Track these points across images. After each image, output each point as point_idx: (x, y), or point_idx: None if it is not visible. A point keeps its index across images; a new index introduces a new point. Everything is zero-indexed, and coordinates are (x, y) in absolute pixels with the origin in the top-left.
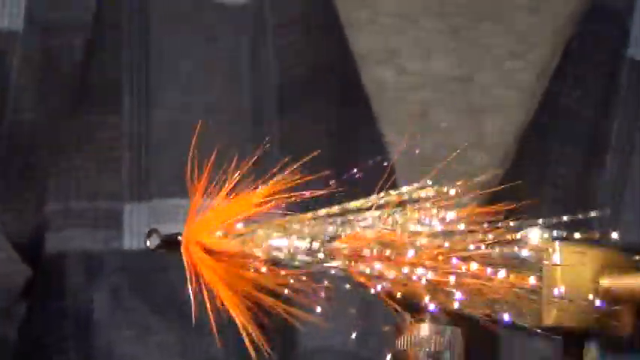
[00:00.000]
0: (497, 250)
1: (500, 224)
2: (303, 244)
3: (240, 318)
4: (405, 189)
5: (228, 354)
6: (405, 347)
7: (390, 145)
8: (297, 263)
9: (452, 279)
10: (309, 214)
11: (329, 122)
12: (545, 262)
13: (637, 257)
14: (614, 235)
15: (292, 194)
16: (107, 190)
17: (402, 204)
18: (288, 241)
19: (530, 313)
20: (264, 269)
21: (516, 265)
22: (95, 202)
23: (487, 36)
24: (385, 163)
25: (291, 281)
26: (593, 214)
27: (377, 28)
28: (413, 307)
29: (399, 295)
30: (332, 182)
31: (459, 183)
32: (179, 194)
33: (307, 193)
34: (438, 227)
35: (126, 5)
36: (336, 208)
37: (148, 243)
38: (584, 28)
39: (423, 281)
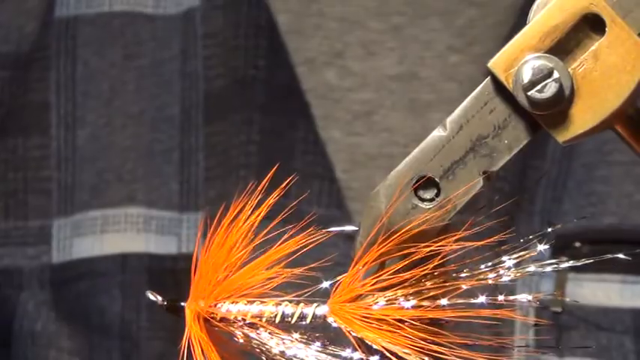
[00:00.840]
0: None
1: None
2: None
3: None
4: None
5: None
6: None
7: (332, 143)
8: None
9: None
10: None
11: (251, 131)
12: None
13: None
14: None
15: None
16: (36, 208)
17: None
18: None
19: None
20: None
21: None
22: (25, 221)
23: (427, 32)
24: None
25: None
26: None
27: (323, 33)
28: None
29: None
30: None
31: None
32: (96, 206)
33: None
34: None
35: (54, 28)
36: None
37: (153, 298)
38: (525, 19)
39: None
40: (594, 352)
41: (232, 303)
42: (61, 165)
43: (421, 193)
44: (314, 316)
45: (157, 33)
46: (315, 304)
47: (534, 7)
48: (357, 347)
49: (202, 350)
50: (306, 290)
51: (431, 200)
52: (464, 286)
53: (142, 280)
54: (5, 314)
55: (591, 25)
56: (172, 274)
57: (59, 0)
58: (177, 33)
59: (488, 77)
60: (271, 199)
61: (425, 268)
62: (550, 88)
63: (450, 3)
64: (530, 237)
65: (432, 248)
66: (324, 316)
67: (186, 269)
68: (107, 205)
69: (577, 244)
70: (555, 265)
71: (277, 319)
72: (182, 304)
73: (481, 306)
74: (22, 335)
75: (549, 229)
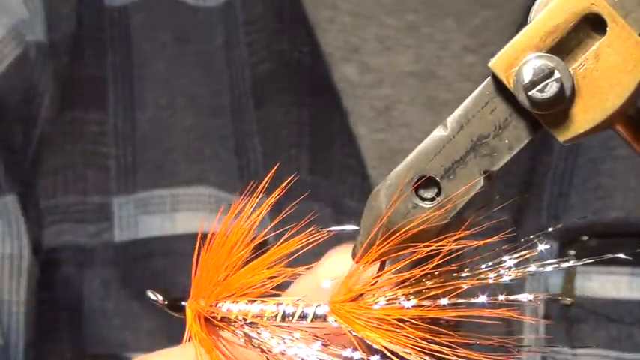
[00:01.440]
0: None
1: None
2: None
3: None
4: None
5: None
6: None
7: (360, 139)
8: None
9: None
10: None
11: (300, 114)
12: None
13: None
14: None
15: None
16: (95, 184)
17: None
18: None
19: None
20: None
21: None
22: (84, 196)
23: (443, 32)
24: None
25: None
26: None
27: (338, 27)
28: None
29: None
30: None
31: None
32: (164, 185)
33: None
34: None
35: (106, 16)
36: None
37: (153, 297)
38: None
39: None
40: (605, 343)
41: (233, 302)
42: (119, 142)
43: (422, 192)
44: (314, 316)
45: (200, 24)
46: (316, 304)
47: (535, 6)
48: (358, 346)
49: (203, 349)
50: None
51: (431, 200)
52: (464, 286)
53: None
54: (71, 293)
55: (592, 24)
56: None
57: None
58: (219, 24)
59: (489, 77)
60: (272, 199)
61: (425, 267)
62: (551, 88)
63: (463, 4)
64: (536, 234)
65: (432, 247)
66: (325, 316)
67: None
68: (177, 185)
69: (584, 238)
70: (556, 265)
71: (278, 319)
72: (183, 303)
73: (482, 305)
74: (94, 315)
75: (550, 229)
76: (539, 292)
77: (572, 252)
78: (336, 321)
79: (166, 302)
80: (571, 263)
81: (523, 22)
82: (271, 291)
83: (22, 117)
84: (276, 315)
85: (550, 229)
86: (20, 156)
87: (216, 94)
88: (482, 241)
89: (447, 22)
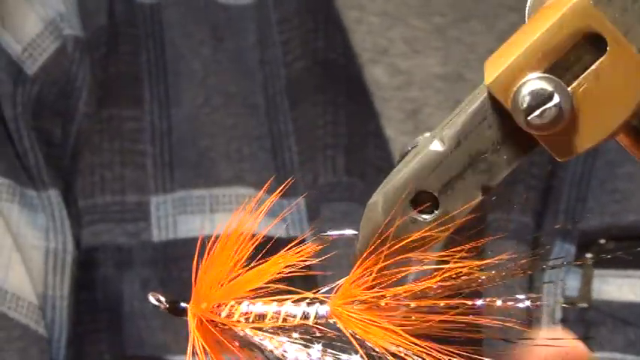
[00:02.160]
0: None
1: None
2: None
3: None
4: None
5: None
6: None
7: (390, 141)
8: None
9: None
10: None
11: (337, 114)
12: None
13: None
14: None
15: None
16: (133, 183)
17: None
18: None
19: None
20: None
21: None
22: (122, 195)
23: (470, 35)
24: None
25: None
26: None
27: (365, 28)
28: None
29: None
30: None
31: None
32: (202, 185)
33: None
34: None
35: (139, 10)
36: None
37: (154, 301)
38: None
39: None
40: (622, 347)
41: (235, 304)
42: (155, 141)
43: (420, 207)
44: (317, 316)
45: (232, 23)
46: (317, 304)
47: (529, 3)
48: (358, 348)
49: (206, 351)
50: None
51: (429, 214)
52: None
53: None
54: (110, 294)
55: (592, 43)
56: None
57: None
58: (252, 23)
59: (486, 93)
60: (272, 198)
61: (426, 280)
62: (550, 113)
63: (490, 7)
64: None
65: (431, 260)
66: (327, 317)
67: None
68: (215, 185)
69: (602, 241)
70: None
71: (280, 320)
72: (184, 305)
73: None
74: (133, 316)
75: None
76: (557, 296)
77: (589, 255)
78: (336, 322)
79: (167, 305)
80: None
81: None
82: (274, 288)
83: (60, 111)
84: (279, 316)
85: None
86: (60, 151)
87: (250, 94)
88: (483, 262)
89: (474, 25)
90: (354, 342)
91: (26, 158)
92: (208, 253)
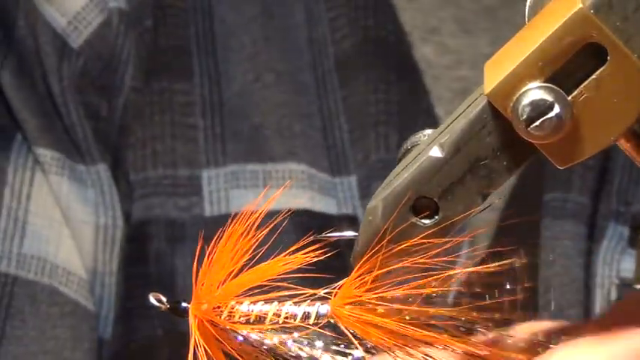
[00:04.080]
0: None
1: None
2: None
3: None
4: None
5: None
6: None
7: (439, 120)
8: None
9: None
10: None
11: (388, 92)
12: None
13: None
14: None
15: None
16: (184, 156)
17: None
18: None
19: None
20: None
21: None
22: (174, 169)
23: (519, 16)
24: None
25: None
26: None
27: (416, 6)
28: None
29: None
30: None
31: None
32: (255, 160)
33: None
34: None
35: None
36: None
37: (155, 302)
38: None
39: None
40: None
41: (235, 304)
42: (206, 114)
43: (419, 211)
44: (317, 316)
45: (281, 0)
46: (319, 303)
47: (529, 3)
48: (358, 346)
49: (207, 351)
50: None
51: (430, 219)
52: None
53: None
54: (163, 269)
55: (592, 51)
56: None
57: None
58: (299, 0)
59: (486, 100)
60: (273, 198)
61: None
62: (550, 124)
63: None
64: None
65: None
66: (327, 316)
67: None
68: (268, 160)
69: None
70: None
71: (281, 319)
72: (185, 305)
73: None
74: (186, 291)
75: None
76: (612, 278)
77: None
78: (335, 322)
79: (168, 306)
80: None
81: None
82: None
83: (106, 85)
84: (279, 315)
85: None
86: (108, 125)
87: (299, 72)
88: (481, 268)
89: (523, 6)
90: (355, 341)
91: (74, 132)
92: (209, 254)
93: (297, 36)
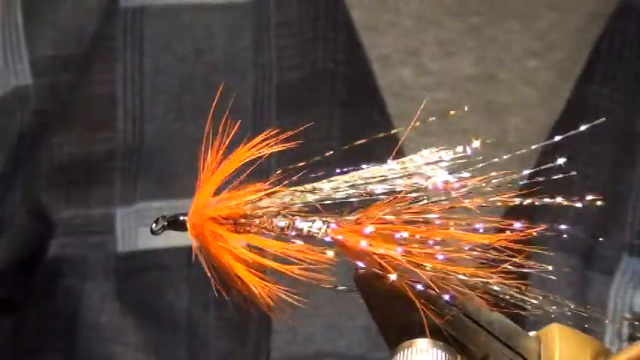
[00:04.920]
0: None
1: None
2: (306, 226)
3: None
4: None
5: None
6: None
7: (410, 143)
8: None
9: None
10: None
11: (331, 126)
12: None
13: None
14: None
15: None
16: (100, 197)
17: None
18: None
19: None
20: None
21: None
22: (87, 209)
23: (506, 34)
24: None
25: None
26: None
27: (399, 30)
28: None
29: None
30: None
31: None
32: (163, 197)
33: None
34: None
35: (120, 18)
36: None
37: (154, 226)
38: (613, 26)
39: None
40: None
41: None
42: (126, 156)
43: None
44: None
45: (229, 23)
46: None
47: None
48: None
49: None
50: None
51: None
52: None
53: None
54: (70, 305)
55: None
56: None
57: None
58: (250, 21)
59: None
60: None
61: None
62: None
63: (529, 5)
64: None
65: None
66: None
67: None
68: (174, 196)
69: None
70: None
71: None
72: (182, 217)
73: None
74: (87, 328)
75: None
76: (624, 313)
77: None
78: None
79: (167, 222)
80: None
81: (591, 28)
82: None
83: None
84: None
85: None
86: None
87: (238, 98)
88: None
89: (511, 24)
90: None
91: None
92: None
93: (242, 58)
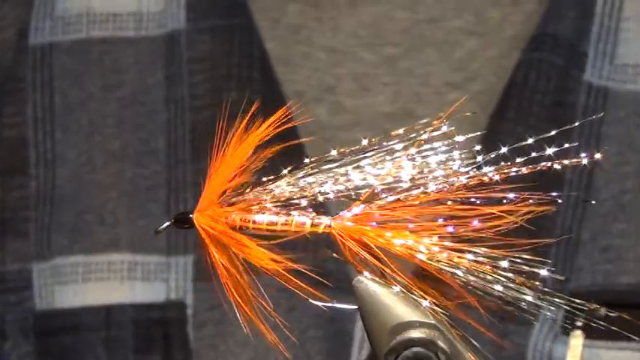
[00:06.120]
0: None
1: None
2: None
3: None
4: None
5: None
6: None
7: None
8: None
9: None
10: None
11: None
12: None
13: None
14: None
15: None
16: (15, 251)
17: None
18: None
19: None
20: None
21: None
22: (4, 265)
23: (424, 66)
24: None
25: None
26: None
27: (312, 64)
28: None
29: None
30: None
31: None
32: (76, 251)
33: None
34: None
35: (28, 57)
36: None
37: (162, 227)
38: (530, 56)
39: None
40: None
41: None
42: (39, 205)
43: None
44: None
45: (140, 57)
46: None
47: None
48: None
49: (214, 251)
50: None
51: None
52: None
53: (127, 335)
54: None
55: None
56: (161, 326)
57: (33, 26)
58: (161, 57)
59: None
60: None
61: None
62: None
63: (447, 33)
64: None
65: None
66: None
67: (176, 319)
68: (89, 251)
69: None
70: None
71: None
72: (190, 215)
73: None
74: None
75: None
76: None
77: (579, 323)
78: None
79: (172, 220)
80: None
81: (512, 54)
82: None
83: None
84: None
85: None
86: None
87: (150, 138)
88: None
89: (429, 54)
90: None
91: None
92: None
93: (153, 96)
